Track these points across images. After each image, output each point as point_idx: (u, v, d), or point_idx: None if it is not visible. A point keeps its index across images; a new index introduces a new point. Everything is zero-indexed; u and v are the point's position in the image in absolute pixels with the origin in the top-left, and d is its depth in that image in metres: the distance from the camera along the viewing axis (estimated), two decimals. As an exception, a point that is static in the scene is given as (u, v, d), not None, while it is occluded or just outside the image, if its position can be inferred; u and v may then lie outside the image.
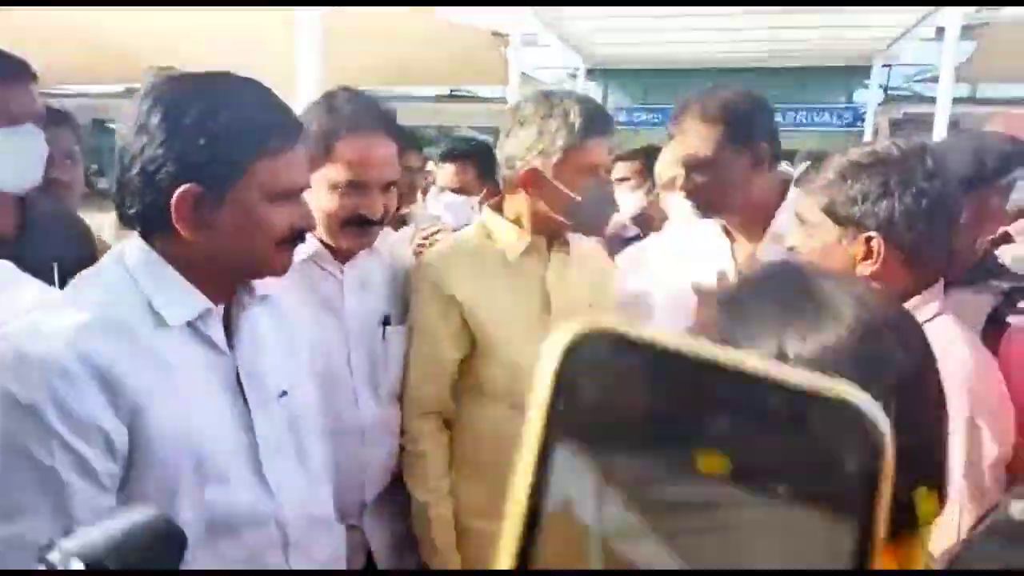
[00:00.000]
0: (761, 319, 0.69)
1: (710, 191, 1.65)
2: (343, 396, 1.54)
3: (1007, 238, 2.01)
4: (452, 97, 13.46)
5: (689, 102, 1.68)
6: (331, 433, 1.39)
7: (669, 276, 1.90)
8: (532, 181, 1.54)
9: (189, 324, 1.02)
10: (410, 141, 2.70)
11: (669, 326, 1.86)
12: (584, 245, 1.73)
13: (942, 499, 0.66)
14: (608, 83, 11.45)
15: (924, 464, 0.67)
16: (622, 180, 2.65)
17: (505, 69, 7.29)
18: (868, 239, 1.20)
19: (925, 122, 6.92)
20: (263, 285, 1.15)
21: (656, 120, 10.86)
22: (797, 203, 1.31)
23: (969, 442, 1.06)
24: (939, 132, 6.13)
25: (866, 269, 1.20)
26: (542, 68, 11.23)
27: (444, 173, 2.54)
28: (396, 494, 1.69)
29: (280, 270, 1.09)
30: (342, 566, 1.37)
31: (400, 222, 2.70)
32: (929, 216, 1.17)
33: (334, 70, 7.05)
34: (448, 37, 7.88)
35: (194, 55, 7.08)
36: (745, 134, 1.63)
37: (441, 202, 2.45)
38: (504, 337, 1.59)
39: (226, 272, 1.06)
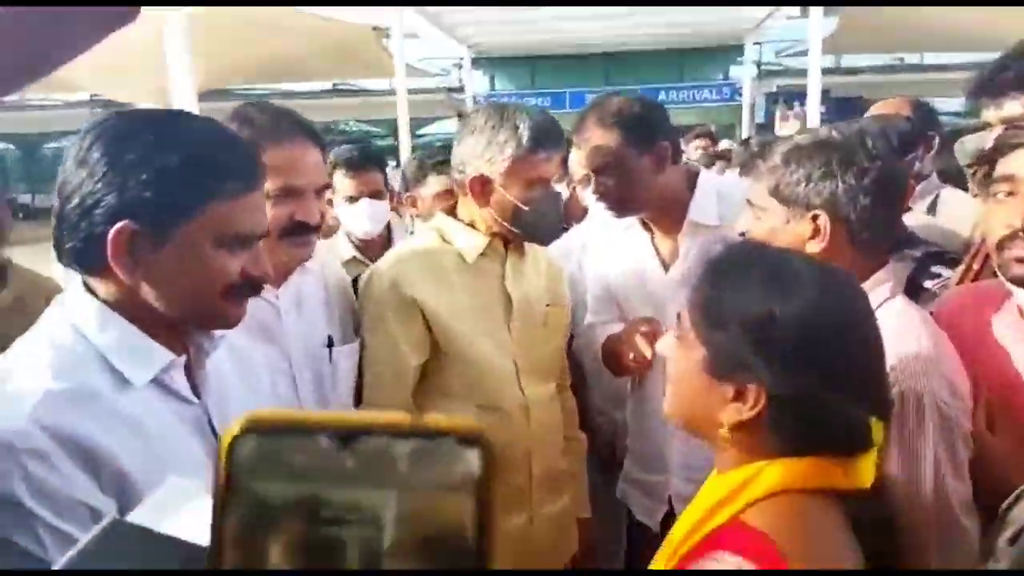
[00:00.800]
0: (747, 284, 0.89)
1: (620, 192, 1.70)
2: None
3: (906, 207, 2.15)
4: (336, 92, 13.12)
5: (586, 113, 1.75)
6: None
7: (595, 272, 1.94)
8: (480, 187, 1.55)
9: (153, 379, 0.94)
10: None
11: (600, 319, 1.88)
12: (535, 245, 1.73)
13: (886, 427, 0.91)
14: (495, 71, 11.49)
15: (872, 397, 0.88)
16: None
17: (390, 62, 7.16)
18: (815, 217, 1.22)
19: (801, 93, 7.32)
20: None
21: (546, 104, 11.01)
22: (748, 189, 1.34)
23: (938, 419, 1.09)
24: (812, 101, 6.52)
25: (815, 247, 1.23)
26: (427, 59, 11.11)
27: (355, 182, 2.42)
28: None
29: (231, 322, 1.00)
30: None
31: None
32: (871, 193, 1.20)
33: (212, 69, 6.73)
34: (328, 32, 7.66)
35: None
36: (644, 135, 1.68)
37: (364, 210, 2.35)
38: (467, 337, 1.57)
39: (175, 321, 0.97)
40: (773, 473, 0.86)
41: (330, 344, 1.54)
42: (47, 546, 0.79)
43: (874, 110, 2.40)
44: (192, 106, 3.43)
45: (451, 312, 1.56)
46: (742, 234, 1.34)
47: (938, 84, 11.04)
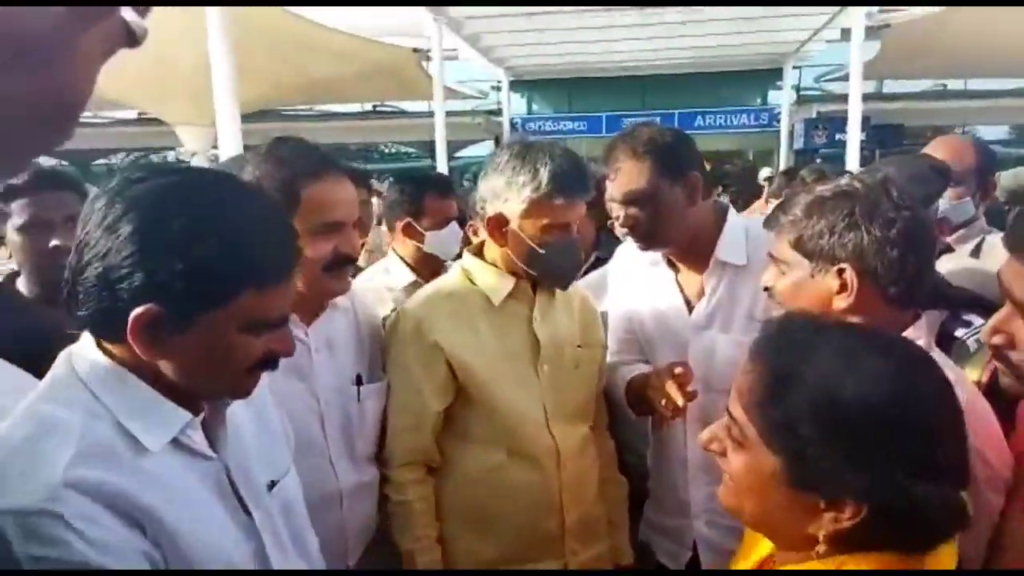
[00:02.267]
0: (815, 379, 0.79)
1: (650, 224, 1.65)
2: (319, 464, 1.47)
3: (947, 248, 2.08)
4: (376, 113, 13.32)
5: (616, 143, 1.69)
6: (309, 504, 1.32)
7: (618, 309, 1.89)
8: (496, 226, 1.54)
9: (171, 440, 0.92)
10: (358, 177, 2.62)
11: (623, 359, 1.85)
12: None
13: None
14: (532, 93, 11.56)
15: (965, 471, 0.79)
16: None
17: (429, 84, 7.25)
18: (840, 271, 1.16)
19: (840, 119, 7.22)
20: None
21: (582, 128, 11.02)
22: (771, 242, 1.30)
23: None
24: (853, 128, 6.43)
25: (842, 302, 1.17)
26: (466, 81, 11.23)
27: (448, 202, 2.43)
28: (381, 553, 1.63)
29: (248, 393, 0.98)
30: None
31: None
32: (899, 244, 1.14)
33: (256, 90, 6.88)
34: (369, 53, 7.79)
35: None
36: (675, 166, 1.64)
37: (457, 232, 2.36)
38: (493, 381, 1.55)
39: (192, 392, 0.95)
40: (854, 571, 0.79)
41: (359, 382, 1.54)
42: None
43: (932, 148, 2.27)
44: (236, 126, 3.53)
45: (476, 356, 1.54)
46: (767, 289, 1.30)
47: (983, 111, 10.78)
